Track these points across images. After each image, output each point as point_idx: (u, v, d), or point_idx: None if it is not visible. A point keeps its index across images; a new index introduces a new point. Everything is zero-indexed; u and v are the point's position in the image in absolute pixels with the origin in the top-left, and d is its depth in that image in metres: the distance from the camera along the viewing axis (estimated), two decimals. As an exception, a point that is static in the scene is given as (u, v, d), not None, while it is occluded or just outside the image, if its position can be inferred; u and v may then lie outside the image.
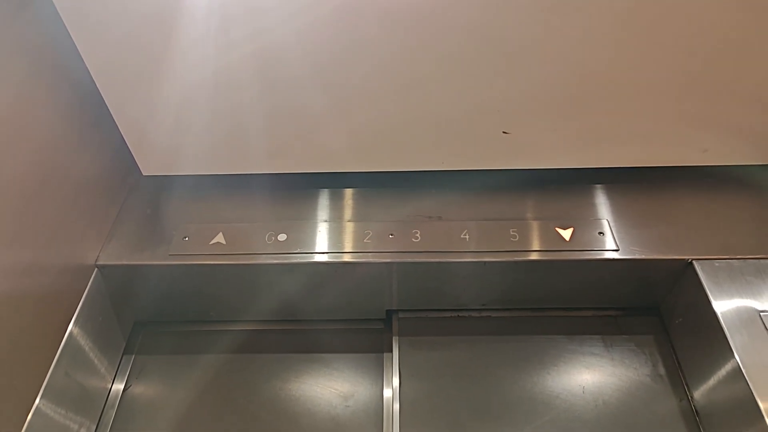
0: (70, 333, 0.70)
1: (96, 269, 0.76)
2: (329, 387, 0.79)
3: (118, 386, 0.81)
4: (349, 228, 0.79)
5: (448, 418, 0.76)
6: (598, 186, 0.84)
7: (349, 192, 0.85)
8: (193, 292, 0.82)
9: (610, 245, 0.76)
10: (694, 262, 0.74)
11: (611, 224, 0.78)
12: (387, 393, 0.78)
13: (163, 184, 0.86)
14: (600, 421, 0.75)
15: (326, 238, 0.78)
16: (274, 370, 0.82)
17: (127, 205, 0.84)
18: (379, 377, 0.80)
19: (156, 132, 0.75)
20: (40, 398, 0.65)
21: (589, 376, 0.79)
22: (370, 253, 0.76)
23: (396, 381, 0.78)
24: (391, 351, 0.82)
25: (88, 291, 0.74)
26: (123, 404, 0.79)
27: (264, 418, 0.77)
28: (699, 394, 0.75)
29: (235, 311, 0.86)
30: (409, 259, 0.76)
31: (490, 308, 0.86)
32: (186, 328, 0.87)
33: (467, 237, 0.77)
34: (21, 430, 0.62)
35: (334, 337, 0.86)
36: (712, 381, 0.71)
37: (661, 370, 0.79)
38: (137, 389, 0.81)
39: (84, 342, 0.74)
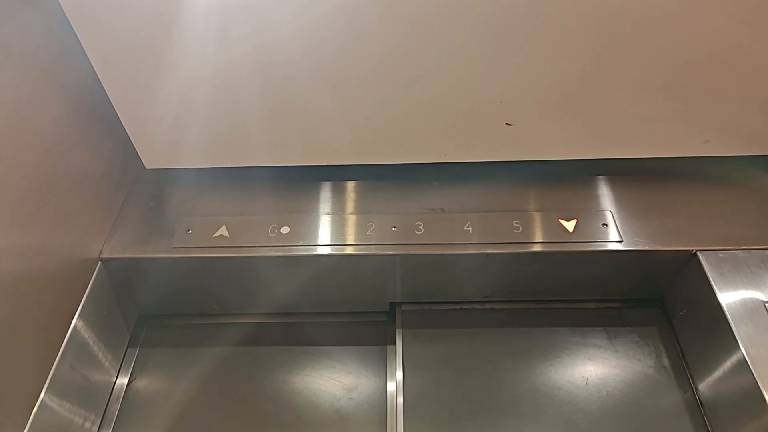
0: (75, 327, 0.71)
1: (100, 262, 0.76)
2: (333, 379, 0.80)
3: (123, 380, 0.81)
4: (351, 221, 0.79)
5: (452, 410, 0.76)
6: (602, 177, 0.84)
7: (351, 185, 0.84)
8: (196, 285, 0.82)
9: (614, 236, 0.76)
10: (698, 253, 0.74)
11: (615, 215, 0.78)
12: (390, 385, 0.78)
13: (166, 177, 0.86)
14: (603, 412, 0.74)
15: (329, 231, 0.78)
16: (278, 362, 0.82)
17: (130, 199, 0.84)
18: (382, 369, 0.80)
19: (158, 126, 0.75)
20: (45, 392, 0.65)
21: (592, 367, 0.79)
22: (373, 246, 0.76)
23: (399, 373, 0.78)
24: (395, 343, 0.82)
25: (92, 284, 0.74)
26: (127, 397, 0.79)
27: (267, 410, 0.77)
28: (704, 385, 0.74)
29: (238, 304, 0.86)
30: (413, 252, 0.76)
31: (494, 300, 0.86)
32: (189, 321, 0.88)
33: (470, 229, 0.77)
34: (26, 424, 0.63)
35: (338, 329, 0.86)
36: (717, 373, 0.71)
37: (665, 362, 0.79)
38: (141, 382, 0.81)
39: (88, 335, 0.74)
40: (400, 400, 0.76)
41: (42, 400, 0.65)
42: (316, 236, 0.77)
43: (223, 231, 0.78)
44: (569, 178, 0.83)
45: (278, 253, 0.76)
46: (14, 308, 0.61)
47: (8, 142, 0.60)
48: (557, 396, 0.76)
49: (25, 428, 0.62)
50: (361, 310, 0.87)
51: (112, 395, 0.79)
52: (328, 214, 0.80)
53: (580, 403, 0.75)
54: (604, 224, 0.77)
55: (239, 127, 0.76)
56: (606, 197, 0.81)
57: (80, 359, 0.72)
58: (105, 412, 0.78)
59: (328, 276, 0.80)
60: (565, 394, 0.76)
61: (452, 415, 0.75)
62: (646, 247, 0.75)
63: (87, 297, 0.73)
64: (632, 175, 0.83)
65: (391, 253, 0.76)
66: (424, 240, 0.76)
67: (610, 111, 0.73)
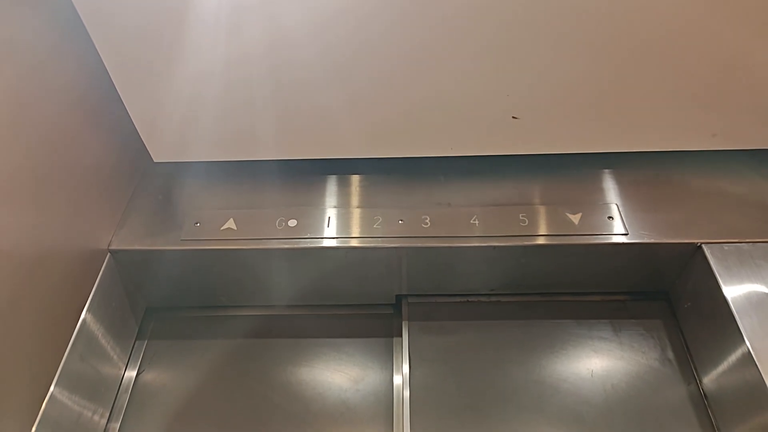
0: (84, 320, 0.71)
1: (109, 254, 0.77)
2: (340, 371, 0.80)
3: (131, 372, 0.82)
4: (358, 214, 0.80)
5: (458, 401, 0.76)
6: (607, 171, 0.84)
7: (358, 178, 0.85)
8: (204, 277, 0.83)
9: (619, 229, 0.76)
10: (703, 245, 0.74)
11: (620, 208, 0.78)
12: (397, 377, 0.79)
13: (174, 170, 0.87)
14: (608, 404, 0.75)
15: (336, 224, 0.78)
16: (285, 354, 0.82)
17: (138, 192, 0.84)
18: (389, 362, 0.81)
19: (167, 119, 0.75)
20: (55, 384, 0.66)
21: (597, 360, 0.79)
22: (379, 239, 0.77)
23: (406, 365, 0.79)
24: (401, 336, 0.82)
25: (101, 276, 0.75)
26: (136, 390, 0.80)
27: (275, 401, 0.78)
28: (708, 378, 0.75)
29: (246, 296, 0.87)
30: (419, 245, 0.76)
31: (500, 293, 0.86)
32: (198, 313, 0.88)
33: (476, 222, 0.78)
34: (36, 417, 0.63)
35: (344, 322, 0.86)
36: (722, 366, 0.71)
37: (670, 355, 0.79)
38: (150, 375, 0.82)
39: (97, 328, 0.74)
40: (407, 392, 0.76)
41: (52, 393, 0.65)
42: (323, 229, 0.78)
43: (230, 224, 0.78)
44: (575, 172, 0.84)
45: (285, 246, 0.76)
46: (24, 301, 0.61)
47: (16, 137, 0.60)
48: (563, 388, 0.77)
49: (35, 420, 0.63)
50: (367, 302, 0.87)
51: (121, 387, 0.80)
52: (335, 207, 0.81)
53: (586, 395, 0.76)
54: (610, 217, 0.77)
55: (248, 120, 0.76)
56: (612, 190, 0.81)
57: (89, 351, 0.73)
58: (114, 404, 0.78)
59: (335, 269, 0.80)
60: (571, 386, 0.77)
61: (458, 407, 0.76)
62: (652, 240, 0.75)
63: (96, 289, 0.73)
64: (638, 168, 0.84)
65: (397, 246, 0.76)
66: (431, 233, 0.77)
67: (617, 105, 0.74)
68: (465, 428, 0.74)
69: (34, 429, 0.63)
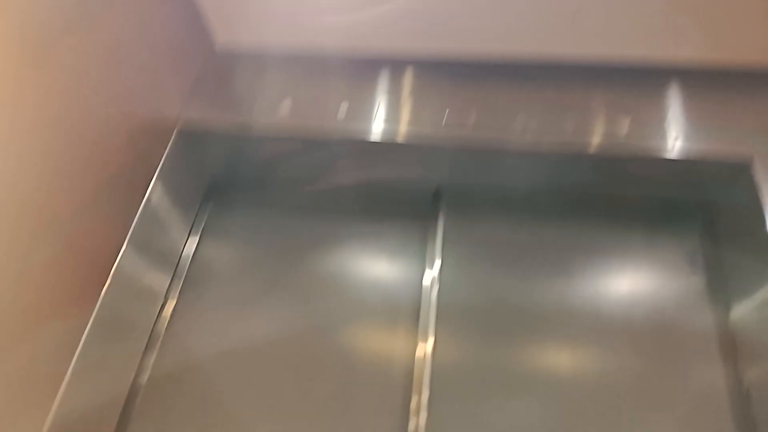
0: (152, 189, 0.77)
1: (176, 131, 0.82)
2: (375, 257, 0.85)
3: (193, 241, 0.89)
4: (408, 105, 0.81)
5: (484, 292, 0.80)
6: (663, 83, 0.80)
7: (411, 75, 0.85)
8: (262, 158, 0.88)
9: (670, 141, 0.74)
10: (753, 161, 0.71)
11: (672, 120, 0.76)
12: (428, 271, 0.82)
13: (239, 55, 0.89)
14: (630, 318, 0.76)
15: (384, 114, 0.80)
16: (330, 234, 0.88)
17: (204, 73, 0.88)
18: (422, 253, 0.84)
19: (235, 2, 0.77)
20: (123, 252, 0.71)
21: (628, 272, 0.80)
22: (425, 132, 0.78)
23: (438, 259, 0.82)
24: (436, 224, 0.85)
25: (168, 151, 0.80)
26: (196, 258, 0.88)
27: (322, 281, 0.83)
28: (738, 307, 0.73)
29: (297, 176, 0.91)
30: (463, 142, 0.77)
31: (539, 193, 0.86)
32: (254, 190, 0.94)
33: (523, 123, 0.77)
34: (106, 279, 0.69)
35: (385, 208, 0.89)
36: (755, 296, 0.70)
37: (703, 276, 0.78)
38: (208, 246, 0.89)
39: (163, 199, 0.80)
40: (436, 287, 0.80)
41: (120, 258, 0.71)
42: (371, 120, 0.80)
43: (286, 109, 0.81)
44: (630, 82, 0.81)
45: (338, 134, 0.79)
46: (97, 169, 0.67)
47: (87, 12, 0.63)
48: (593, 300, 0.77)
49: (107, 279, 0.69)
50: (408, 188, 0.89)
51: (183, 255, 0.88)
52: (385, 99, 0.82)
53: (611, 308, 0.77)
54: (660, 128, 0.75)
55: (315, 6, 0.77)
56: (666, 103, 0.78)
57: (155, 221, 0.79)
58: (176, 270, 0.86)
59: (381, 156, 0.83)
60: (599, 298, 0.78)
61: (483, 298, 0.79)
62: (701, 155, 0.73)
63: (164, 162, 0.79)
64: (694, 82, 0.80)
65: (442, 138, 0.77)
66: (476, 129, 0.77)
67: (677, 10, 0.70)
68: (487, 331, 0.77)
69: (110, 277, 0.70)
